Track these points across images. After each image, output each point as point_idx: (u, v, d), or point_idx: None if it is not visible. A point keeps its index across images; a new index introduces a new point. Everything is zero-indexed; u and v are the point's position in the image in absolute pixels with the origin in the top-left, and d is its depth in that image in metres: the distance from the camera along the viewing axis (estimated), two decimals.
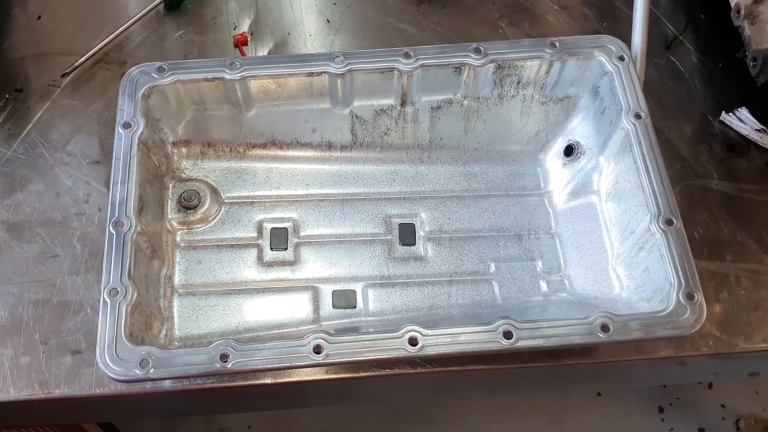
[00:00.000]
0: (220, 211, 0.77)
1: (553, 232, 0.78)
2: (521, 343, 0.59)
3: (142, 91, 0.71)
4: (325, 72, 0.72)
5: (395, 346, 0.58)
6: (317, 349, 0.58)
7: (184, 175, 0.78)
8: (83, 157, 0.80)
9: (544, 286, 0.75)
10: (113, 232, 0.64)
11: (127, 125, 0.69)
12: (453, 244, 0.77)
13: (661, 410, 1.66)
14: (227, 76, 0.71)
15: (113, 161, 0.68)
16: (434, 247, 0.77)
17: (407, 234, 0.78)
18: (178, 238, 0.75)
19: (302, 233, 0.77)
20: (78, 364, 0.67)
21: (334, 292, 0.73)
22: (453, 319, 0.72)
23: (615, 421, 1.64)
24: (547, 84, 0.76)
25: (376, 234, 0.78)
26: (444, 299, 0.74)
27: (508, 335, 0.59)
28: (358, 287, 0.74)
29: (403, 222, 0.78)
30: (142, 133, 0.69)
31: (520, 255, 0.77)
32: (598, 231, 0.76)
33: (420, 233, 0.78)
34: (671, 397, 1.66)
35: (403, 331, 0.59)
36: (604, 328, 0.60)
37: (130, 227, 0.64)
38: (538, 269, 0.76)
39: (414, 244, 0.77)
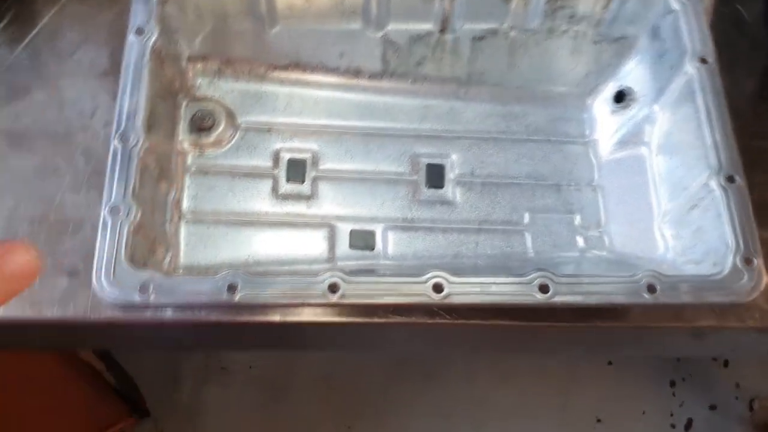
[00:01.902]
0: (235, 135, 0.72)
1: (595, 185, 0.73)
2: (558, 299, 0.54)
3: None
4: None
5: (418, 292, 0.54)
6: (333, 288, 0.53)
7: (198, 94, 0.72)
8: (91, 68, 0.75)
9: (581, 241, 0.70)
10: (118, 145, 0.59)
11: (140, 31, 0.64)
12: (485, 190, 0.72)
13: (672, 384, 1.62)
14: None
15: (123, 69, 0.62)
16: (464, 192, 0.72)
17: (435, 176, 0.72)
18: (188, 161, 0.70)
19: (321, 166, 0.72)
20: (74, 287, 0.63)
21: (351, 231, 0.69)
22: (479, 269, 0.67)
23: (624, 392, 1.60)
24: (603, 20, 0.70)
25: (402, 173, 0.72)
26: (471, 248, 0.69)
27: (544, 289, 0.54)
28: (377, 228, 0.69)
29: (432, 162, 0.73)
30: (155, 41, 0.64)
31: (557, 206, 0.72)
32: (645, 186, 0.70)
33: (449, 176, 0.73)
34: (684, 372, 1.62)
35: (427, 276, 0.54)
36: (651, 288, 0.55)
37: (138, 142, 0.59)
38: (575, 223, 0.71)
39: (442, 187, 0.72)
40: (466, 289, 0.54)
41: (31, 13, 0.78)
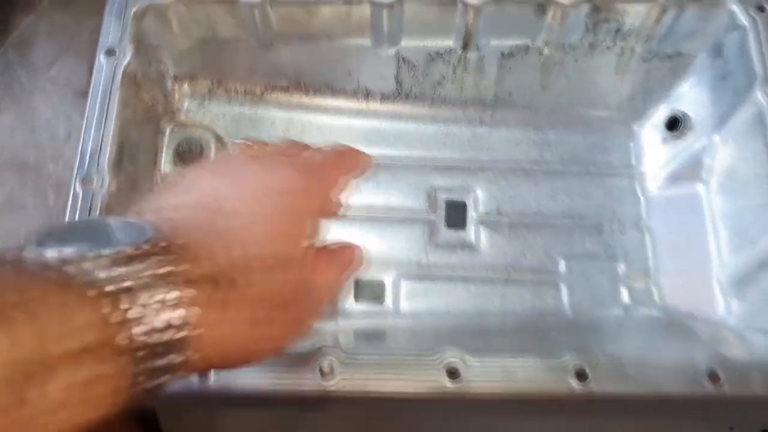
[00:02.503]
0: None
1: (642, 226, 0.63)
2: (598, 388, 0.45)
3: (133, 10, 0.57)
4: (368, 0, 0.57)
5: (429, 378, 0.45)
6: (326, 371, 0.45)
7: (185, 119, 0.64)
8: (68, 85, 0.67)
9: (625, 295, 0.61)
10: (79, 191, 0.51)
11: (111, 52, 0.56)
12: (513, 232, 0.63)
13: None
14: None
15: (89, 98, 0.54)
16: (489, 234, 0.63)
17: (456, 214, 0.63)
18: None
19: None
20: None
21: (357, 281, 0.60)
22: (506, 331, 0.58)
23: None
24: (654, 36, 0.60)
25: (417, 211, 0.64)
26: (496, 303, 0.60)
27: (581, 375, 0.45)
28: (388, 278, 0.61)
29: (452, 199, 0.64)
30: (129, 63, 0.56)
31: (598, 252, 0.62)
32: (702, 230, 0.60)
33: (472, 214, 0.64)
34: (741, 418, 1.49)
35: (441, 355, 0.45)
36: (713, 376, 0.45)
37: (102, 185, 0.51)
38: (619, 272, 0.62)
39: (463, 228, 0.63)
40: (487, 374, 0.45)
41: (5, 21, 0.70)
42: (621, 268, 0.62)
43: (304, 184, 0.36)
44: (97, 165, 0.52)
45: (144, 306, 0.26)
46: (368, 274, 0.61)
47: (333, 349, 0.45)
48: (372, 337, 0.57)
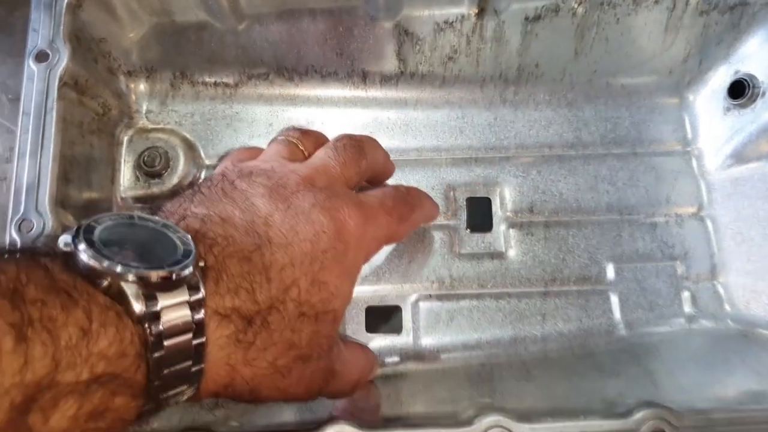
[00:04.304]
0: (198, 177, 0.54)
1: (703, 215, 0.54)
2: None
3: (66, 0, 0.47)
4: None
5: None
6: None
7: (146, 123, 0.55)
8: (4, 90, 0.58)
9: (687, 301, 0.52)
10: (16, 237, 0.42)
11: (42, 56, 0.46)
12: (550, 233, 0.54)
13: None
14: None
15: (20, 118, 0.45)
16: (521, 237, 0.54)
17: (479, 214, 0.55)
18: None
19: None
20: None
21: (368, 309, 0.52)
22: (549, 362, 0.50)
23: None
24: None
25: None
26: (535, 325, 0.51)
27: None
28: (404, 302, 0.52)
29: (474, 196, 0.55)
30: (66, 67, 0.46)
31: (653, 251, 0.54)
32: None
33: (499, 214, 0.54)
34: None
35: (479, 425, 0.37)
36: None
37: (44, 228, 0.42)
38: (678, 273, 0.53)
39: (489, 230, 0.54)
40: None
41: None
42: (680, 268, 0.53)
43: (363, 230, 0.35)
44: (36, 203, 0.43)
45: (169, 336, 0.26)
46: (381, 298, 0.52)
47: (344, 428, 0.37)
48: (388, 385, 0.49)
